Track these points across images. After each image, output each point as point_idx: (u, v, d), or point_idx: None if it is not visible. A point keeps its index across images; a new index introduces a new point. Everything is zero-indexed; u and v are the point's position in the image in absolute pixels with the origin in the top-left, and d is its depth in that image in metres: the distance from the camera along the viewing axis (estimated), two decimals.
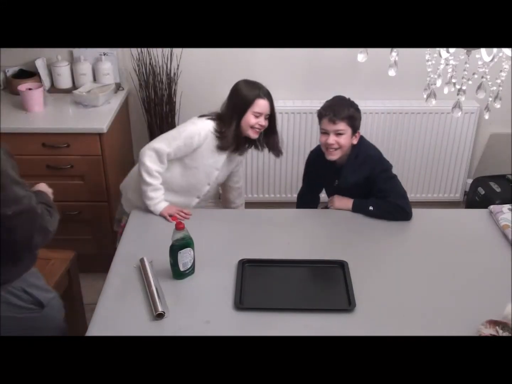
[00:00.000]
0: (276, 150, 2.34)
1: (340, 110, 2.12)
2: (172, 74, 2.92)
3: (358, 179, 2.18)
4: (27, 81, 2.83)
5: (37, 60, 2.87)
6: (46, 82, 2.90)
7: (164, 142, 2.13)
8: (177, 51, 2.90)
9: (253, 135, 2.21)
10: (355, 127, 2.15)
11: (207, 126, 2.18)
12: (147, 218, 2.13)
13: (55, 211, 1.68)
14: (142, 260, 1.82)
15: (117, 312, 1.64)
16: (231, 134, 2.17)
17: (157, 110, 2.98)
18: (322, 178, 2.35)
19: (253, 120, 2.16)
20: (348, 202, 2.20)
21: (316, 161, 2.34)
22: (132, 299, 1.69)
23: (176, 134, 2.16)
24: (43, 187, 1.81)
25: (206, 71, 3.07)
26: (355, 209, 2.18)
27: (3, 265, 1.59)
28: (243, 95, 2.17)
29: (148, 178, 2.11)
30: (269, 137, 2.29)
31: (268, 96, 2.19)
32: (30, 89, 2.73)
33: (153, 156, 2.11)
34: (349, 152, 2.20)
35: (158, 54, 2.90)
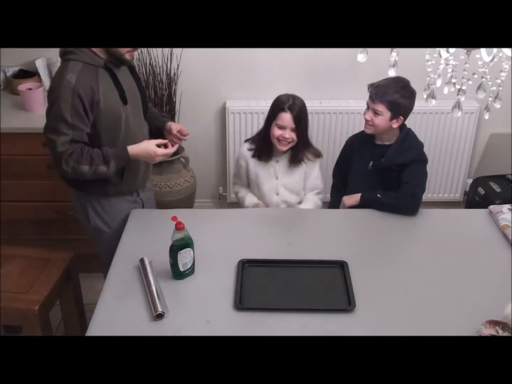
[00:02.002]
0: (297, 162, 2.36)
1: (383, 92, 2.13)
2: (172, 74, 2.92)
3: (404, 162, 2.19)
4: (27, 81, 2.84)
5: (37, 60, 2.87)
6: (46, 82, 2.90)
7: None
8: (177, 51, 2.90)
9: (280, 147, 2.27)
10: (396, 112, 2.15)
11: (245, 146, 2.40)
12: (147, 218, 2.13)
13: (99, 165, 1.88)
14: (142, 260, 1.82)
15: (117, 312, 1.64)
16: (259, 140, 2.34)
17: (157, 110, 2.98)
18: (357, 160, 2.36)
19: (277, 132, 2.24)
20: (356, 196, 2.25)
21: (356, 142, 2.38)
22: (132, 299, 1.68)
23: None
24: (146, 147, 1.98)
25: (206, 71, 3.07)
26: (364, 199, 2.22)
27: None
28: (271, 108, 2.28)
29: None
30: (296, 150, 2.30)
31: (293, 109, 2.20)
32: (30, 89, 2.73)
33: (242, 190, 2.46)
34: (397, 135, 2.23)
35: (158, 54, 2.90)
